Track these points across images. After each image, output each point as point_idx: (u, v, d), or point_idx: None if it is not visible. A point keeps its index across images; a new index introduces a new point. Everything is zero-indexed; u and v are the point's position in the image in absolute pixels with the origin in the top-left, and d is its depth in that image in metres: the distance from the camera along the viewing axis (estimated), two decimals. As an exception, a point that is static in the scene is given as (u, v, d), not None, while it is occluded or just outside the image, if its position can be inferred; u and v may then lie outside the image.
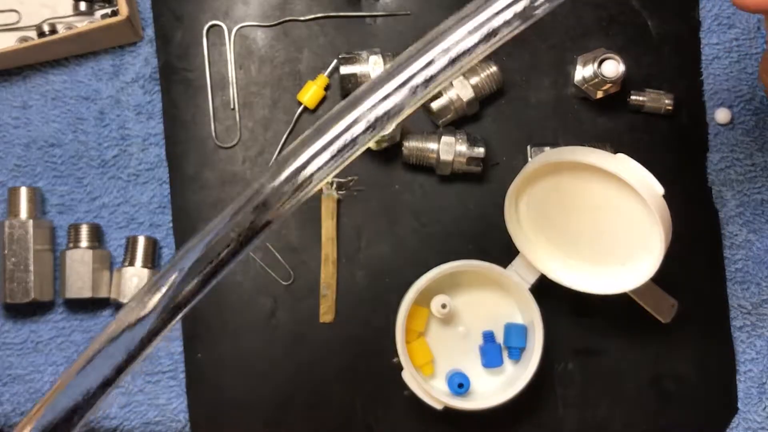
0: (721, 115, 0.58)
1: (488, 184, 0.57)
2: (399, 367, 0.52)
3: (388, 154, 0.57)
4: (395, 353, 0.52)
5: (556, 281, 0.52)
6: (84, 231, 0.55)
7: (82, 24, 0.57)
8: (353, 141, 0.31)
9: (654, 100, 0.57)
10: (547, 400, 0.57)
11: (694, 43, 0.59)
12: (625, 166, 0.46)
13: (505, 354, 0.55)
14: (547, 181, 0.50)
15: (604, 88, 0.56)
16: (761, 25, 0.59)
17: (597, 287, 0.51)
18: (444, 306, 0.53)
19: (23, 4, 0.58)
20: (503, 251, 0.54)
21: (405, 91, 0.31)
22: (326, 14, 0.58)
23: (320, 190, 0.57)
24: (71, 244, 0.55)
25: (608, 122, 0.58)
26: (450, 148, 0.54)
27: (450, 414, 0.52)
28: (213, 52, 0.58)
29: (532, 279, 0.53)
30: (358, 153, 0.31)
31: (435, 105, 0.56)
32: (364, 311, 0.56)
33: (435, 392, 0.51)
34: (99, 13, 0.58)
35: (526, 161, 0.56)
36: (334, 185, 0.56)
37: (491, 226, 0.56)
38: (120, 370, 0.31)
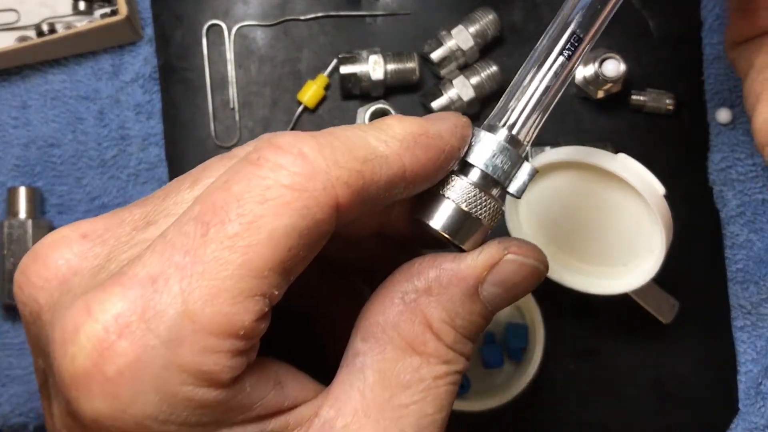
0: (723, 114, 0.58)
1: (489, 184, 0.57)
2: (399, 368, 0.52)
3: (389, 153, 0.57)
4: (395, 354, 0.52)
5: (557, 281, 0.52)
6: (83, 231, 0.55)
7: (82, 23, 0.57)
8: None
9: (655, 99, 0.57)
10: (548, 400, 0.56)
11: (695, 43, 0.59)
12: (626, 165, 0.46)
13: (505, 354, 0.54)
14: (548, 181, 0.50)
15: (605, 87, 0.56)
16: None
17: (598, 288, 0.50)
18: (444, 306, 0.53)
19: (22, 3, 0.58)
20: (504, 251, 0.54)
21: None
22: (326, 14, 0.58)
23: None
24: (70, 245, 0.55)
25: (609, 122, 0.58)
26: (450, 148, 0.54)
27: (451, 415, 0.52)
28: (213, 51, 0.58)
29: (532, 279, 0.53)
30: None
31: (435, 105, 0.55)
32: (365, 311, 0.56)
33: (435, 393, 0.51)
34: (98, 13, 0.58)
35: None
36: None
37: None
38: None
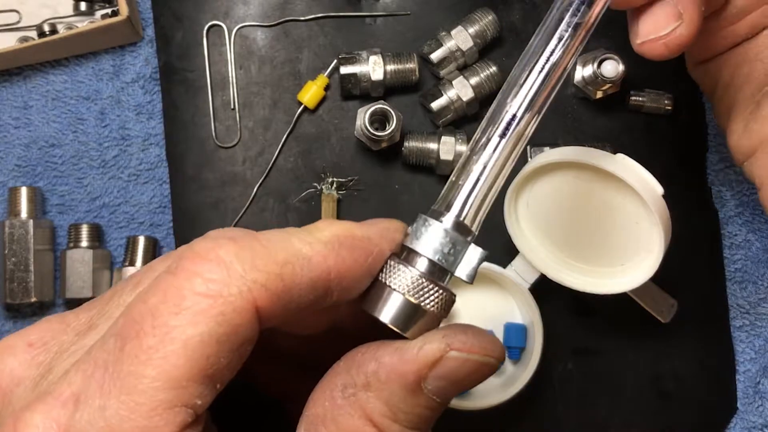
0: (721, 115, 0.58)
1: (488, 184, 0.57)
2: (399, 367, 0.52)
3: (388, 154, 0.57)
4: (395, 353, 0.52)
5: (556, 281, 0.52)
6: (84, 231, 0.55)
7: (83, 24, 0.57)
8: None
9: (653, 100, 0.57)
10: (546, 400, 0.57)
11: (693, 44, 0.59)
12: (625, 166, 0.46)
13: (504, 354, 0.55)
14: (547, 181, 0.50)
15: (604, 88, 0.56)
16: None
17: (597, 287, 0.51)
18: (444, 306, 0.53)
19: (24, 4, 0.58)
20: (503, 251, 0.54)
21: None
22: (326, 14, 0.58)
23: (320, 190, 0.57)
24: (71, 244, 0.56)
25: (608, 122, 0.58)
26: (450, 148, 0.55)
27: (450, 414, 0.52)
28: (213, 52, 0.58)
29: (531, 279, 0.53)
30: None
31: (435, 105, 0.56)
32: (364, 311, 0.56)
33: (435, 392, 0.51)
34: (99, 13, 0.58)
35: (525, 161, 0.56)
36: (334, 185, 0.56)
37: (491, 226, 0.56)
38: None
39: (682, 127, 0.58)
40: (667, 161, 0.58)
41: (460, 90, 0.55)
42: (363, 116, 0.54)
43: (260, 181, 0.57)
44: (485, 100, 0.57)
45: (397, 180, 0.57)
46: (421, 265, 0.29)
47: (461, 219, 0.30)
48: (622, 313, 0.55)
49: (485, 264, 0.53)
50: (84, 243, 0.55)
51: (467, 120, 0.57)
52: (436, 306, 0.28)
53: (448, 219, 0.29)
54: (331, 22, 0.58)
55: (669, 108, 0.57)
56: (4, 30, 0.58)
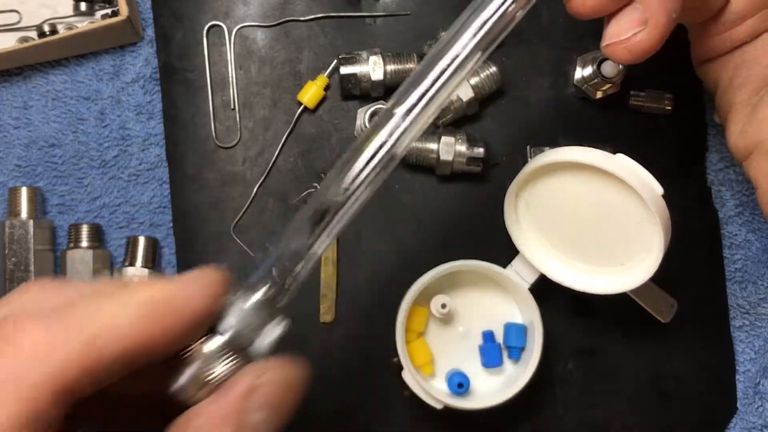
0: (721, 115, 0.58)
1: (488, 184, 0.57)
2: (399, 367, 0.52)
3: (388, 154, 0.57)
4: (395, 353, 0.52)
5: (556, 281, 0.52)
6: (84, 231, 0.56)
7: (83, 24, 0.57)
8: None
9: (654, 100, 0.57)
10: (546, 400, 0.57)
11: (693, 44, 0.59)
12: (625, 166, 0.46)
13: (504, 354, 0.55)
14: (547, 181, 0.50)
15: (604, 88, 0.56)
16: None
17: (596, 287, 0.51)
18: (444, 306, 0.53)
19: (24, 4, 0.58)
20: (503, 251, 0.54)
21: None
22: (326, 14, 0.58)
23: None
24: (71, 244, 0.56)
25: (608, 122, 0.58)
26: (450, 148, 0.55)
27: (450, 414, 0.52)
28: (213, 52, 0.58)
29: (531, 279, 0.53)
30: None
31: (435, 105, 0.56)
32: (364, 311, 0.56)
33: (435, 392, 0.51)
34: (99, 14, 0.58)
35: (525, 161, 0.56)
36: (334, 185, 0.56)
37: (491, 226, 0.56)
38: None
39: (682, 127, 0.58)
40: (667, 161, 0.58)
41: (460, 90, 0.55)
42: (363, 116, 0.54)
43: (260, 181, 0.57)
44: (485, 100, 0.57)
45: (397, 180, 0.57)
46: (216, 341, 0.30)
47: (264, 297, 0.31)
48: (622, 313, 0.55)
49: (485, 264, 0.53)
50: (84, 243, 0.55)
51: (467, 120, 0.57)
52: (225, 377, 0.30)
53: (258, 293, 0.32)
54: (331, 22, 0.58)
55: (669, 108, 0.57)
56: (4, 30, 0.58)
